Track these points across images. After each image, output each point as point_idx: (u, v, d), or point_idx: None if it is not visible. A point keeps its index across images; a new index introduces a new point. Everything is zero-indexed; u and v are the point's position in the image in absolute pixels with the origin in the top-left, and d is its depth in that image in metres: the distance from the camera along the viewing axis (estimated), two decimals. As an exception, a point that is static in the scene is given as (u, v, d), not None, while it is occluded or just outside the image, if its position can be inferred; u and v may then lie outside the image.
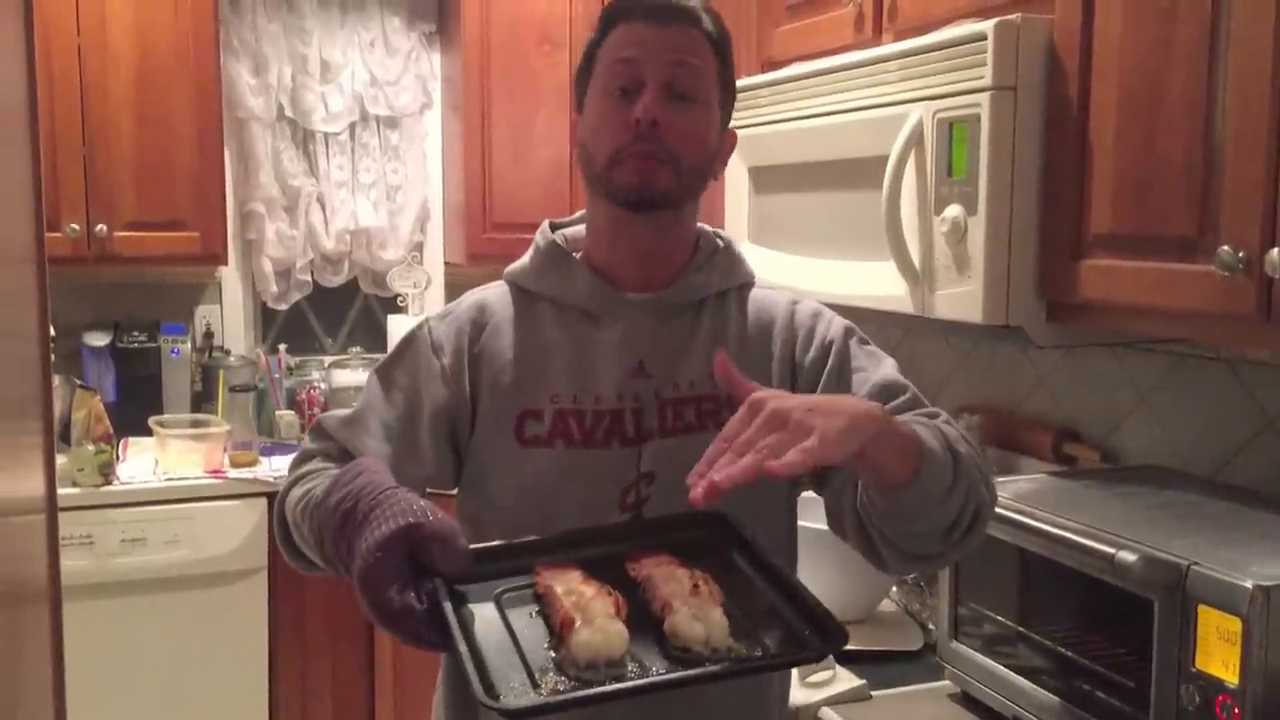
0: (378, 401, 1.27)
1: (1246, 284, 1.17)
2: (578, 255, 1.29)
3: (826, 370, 1.24)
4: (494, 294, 1.31)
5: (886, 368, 1.24)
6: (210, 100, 3.02)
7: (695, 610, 0.94)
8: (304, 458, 1.27)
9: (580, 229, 1.32)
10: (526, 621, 0.98)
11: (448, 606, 0.95)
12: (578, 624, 0.92)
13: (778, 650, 0.95)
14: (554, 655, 0.93)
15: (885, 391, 1.20)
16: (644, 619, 0.95)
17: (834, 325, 1.28)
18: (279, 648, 2.87)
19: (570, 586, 0.98)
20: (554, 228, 1.34)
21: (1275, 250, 1.12)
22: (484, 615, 0.98)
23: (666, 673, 0.91)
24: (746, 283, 1.31)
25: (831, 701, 1.57)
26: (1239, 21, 1.18)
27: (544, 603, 0.99)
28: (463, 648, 0.91)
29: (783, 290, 1.34)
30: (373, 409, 1.26)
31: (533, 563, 1.05)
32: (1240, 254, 1.16)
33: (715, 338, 1.26)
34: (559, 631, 0.93)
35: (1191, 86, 1.24)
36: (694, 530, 1.09)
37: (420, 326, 1.31)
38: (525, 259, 1.32)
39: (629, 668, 0.91)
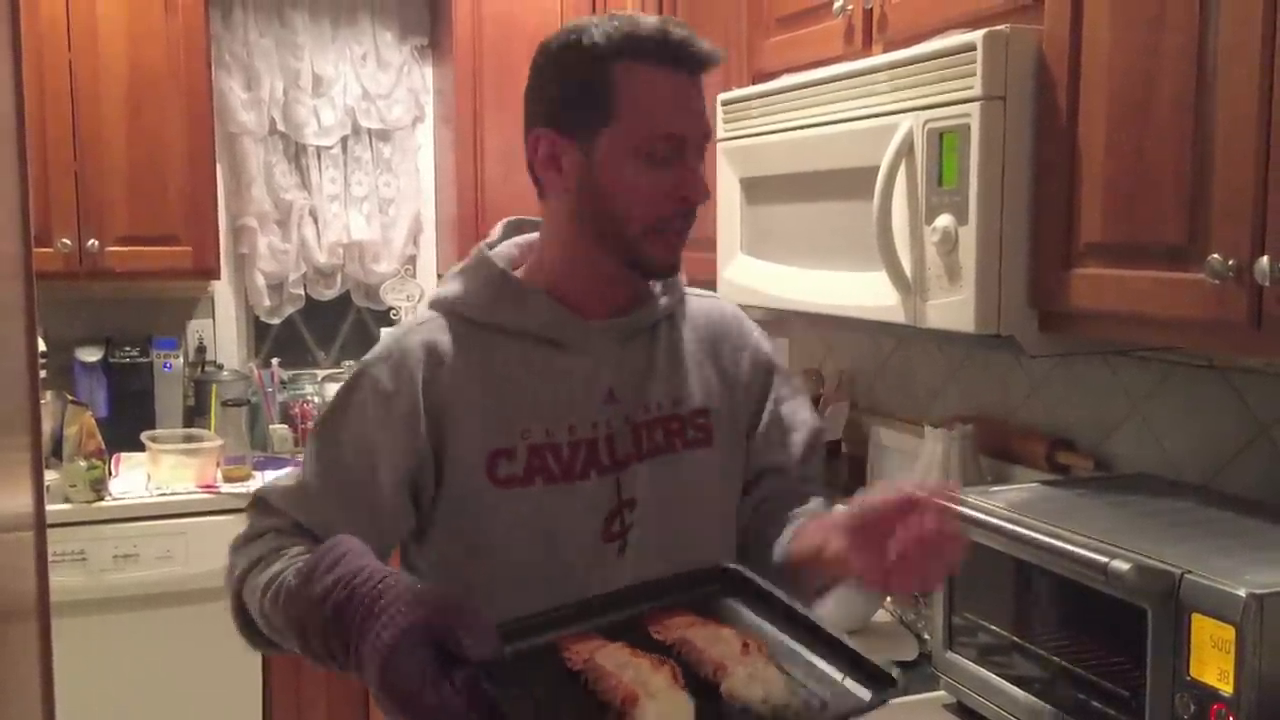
0: (328, 464, 1.16)
1: (1237, 292, 1.17)
2: (519, 277, 1.23)
3: (771, 398, 1.34)
4: (434, 328, 1.20)
5: (807, 406, 1.38)
6: (202, 114, 3.02)
7: (750, 670, 0.94)
8: (251, 536, 1.16)
9: (512, 249, 1.27)
10: (568, 697, 0.94)
11: (497, 692, 0.89)
12: (642, 698, 0.89)
13: (832, 702, 0.94)
14: None
15: (815, 436, 1.36)
16: (690, 682, 0.94)
17: (766, 344, 1.37)
18: (273, 663, 2.85)
19: (622, 659, 0.95)
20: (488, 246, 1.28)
21: (1265, 258, 1.12)
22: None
23: None
24: (684, 293, 1.32)
25: (826, 713, 1.56)
26: (1227, 30, 1.18)
27: (590, 679, 0.94)
28: None
29: (713, 296, 1.37)
30: (324, 473, 1.16)
31: (555, 636, 1.00)
32: (1230, 262, 1.16)
33: (673, 356, 1.27)
34: (620, 707, 0.90)
35: (1180, 95, 1.24)
36: (708, 585, 1.10)
37: (360, 374, 1.20)
38: (461, 287, 1.22)
39: None
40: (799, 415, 1.35)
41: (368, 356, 1.21)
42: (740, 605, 1.08)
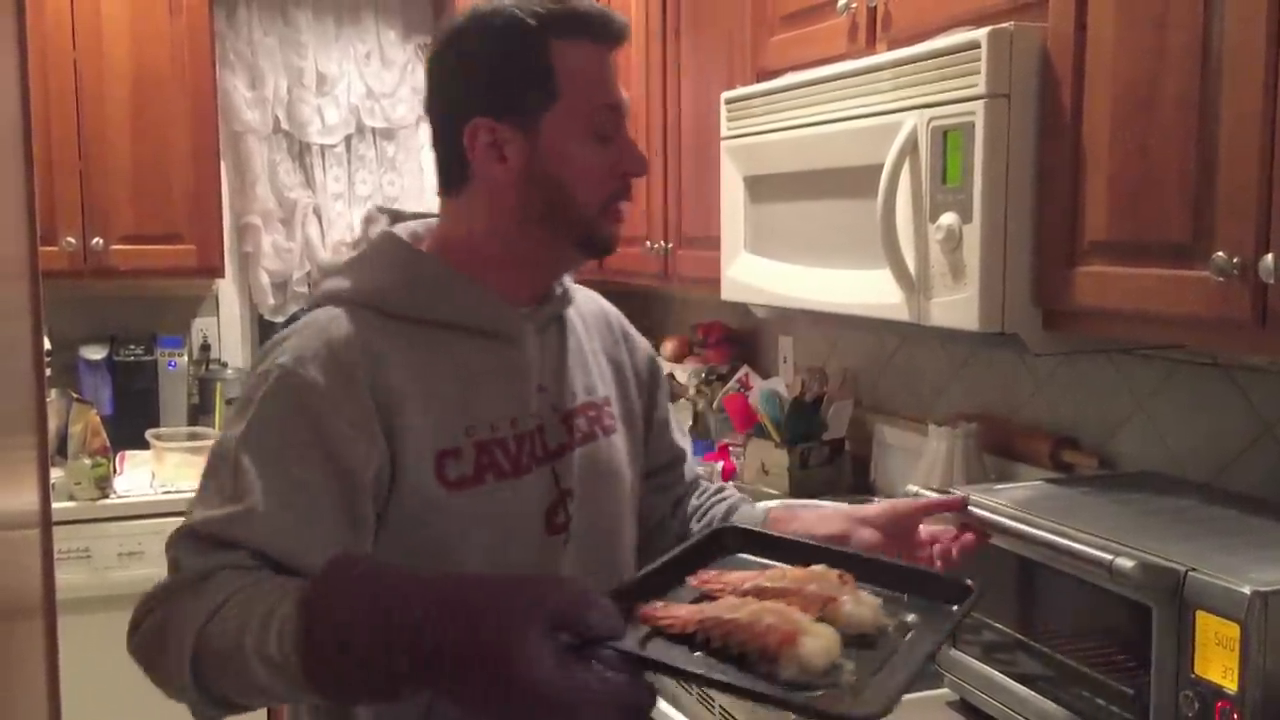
0: (279, 481, 1.00)
1: (1241, 289, 1.17)
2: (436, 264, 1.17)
3: (658, 394, 1.40)
4: (354, 323, 1.09)
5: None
6: (206, 113, 3.02)
7: (854, 597, 0.97)
8: (192, 579, 0.97)
9: (417, 231, 1.21)
10: (691, 659, 0.92)
11: (653, 659, 0.88)
12: (800, 635, 0.89)
13: (923, 620, 0.99)
14: (782, 675, 0.87)
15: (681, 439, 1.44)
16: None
17: (641, 337, 1.42)
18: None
19: (733, 605, 0.94)
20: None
21: (1269, 256, 1.12)
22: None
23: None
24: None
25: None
26: (1231, 28, 1.18)
27: (715, 635, 0.92)
28: (746, 682, 0.87)
29: (583, 288, 1.38)
30: (279, 492, 1.00)
31: (634, 605, 0.97)
32: (1234, 259, 1.16)
33: (578, 345, 1.27)
34: (775, 650, 0.88)
35: (1184, 92, 1.24)
36: (719, 546, 1.14)
37: (283, 379, 1.04)
38: (380, 278, 1.13)
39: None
40: (668, 410, 1.44)
41: (282, 360, 1.05)
42: (758, 558, 1.12)
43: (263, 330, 3.52)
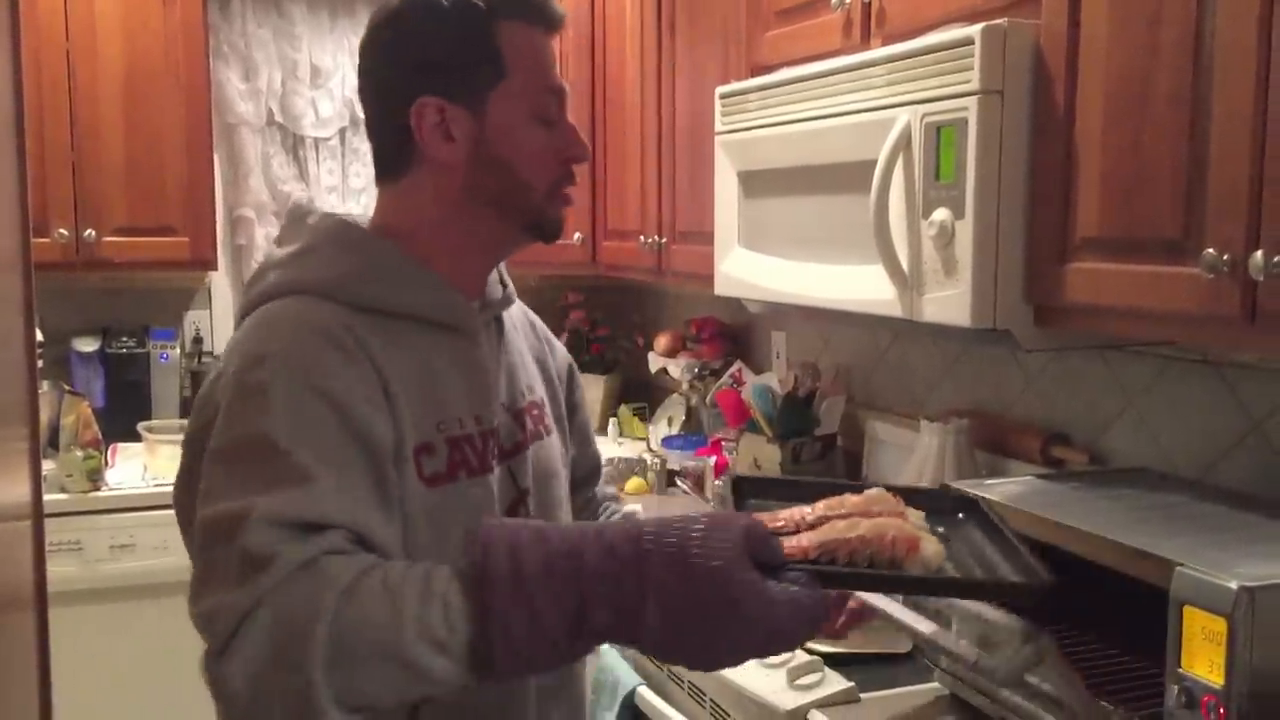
0: (340, 460, 0.97)
1: (1231, 286, 1.17)
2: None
3: (577, 397, 1.39)
4: (329, 313, 1.05)
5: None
6: (199, 105, 3.01)
7: (926, 533, 1.02)
8: (299, 570, 0.88)
9: (357, 222, 1.17)
10: (863, 572, 0.99)
11: (838, 572, 0.94)
12: (922, 540, 0.99)
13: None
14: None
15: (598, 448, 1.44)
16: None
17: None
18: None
19: (845, 526, 0.99)
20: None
21: (1259, 253, 1.13)
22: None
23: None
24: None
25: (820, 704, 1.57)
26: (1224, 25, 1.19)
27: (837, 556, 0.96)
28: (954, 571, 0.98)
29: None
30: (346, 470, 0.97)
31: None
32: (1225, 256, 1.17)
33: (515, 344, 1.25)
34: (903, 557, 0.97)
35: (1177, 90, 1.24)
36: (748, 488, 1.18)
37: (288, 363, 0.99)
38: (343, 266, 1.08)
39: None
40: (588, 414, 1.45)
41: (274, 348, 1.00)
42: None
43: (256, 323, 3.51)
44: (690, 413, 3.11)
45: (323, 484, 0.94)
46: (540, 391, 1.27)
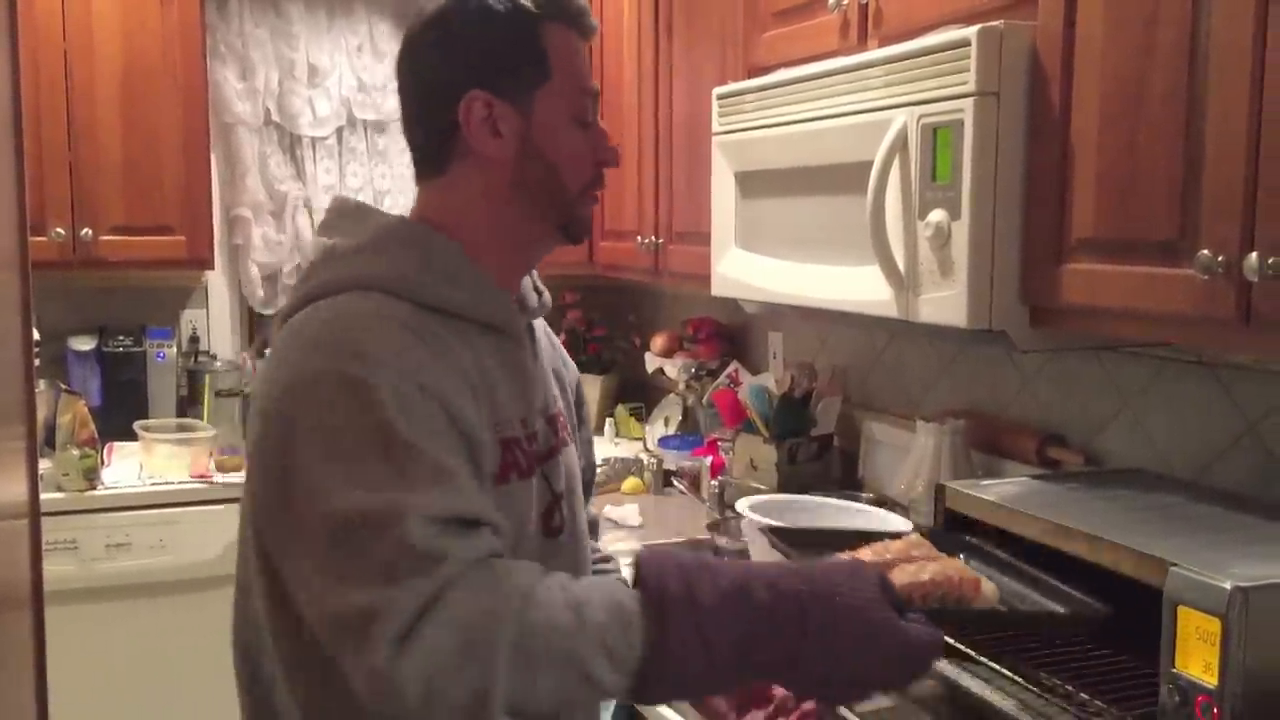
0: (448, 453, 0.98)
1: (1226, 287, 1.18)
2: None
3: (584, 413, 1.39)
4: (396, 310, 1.04)
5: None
6: (197, 105, 3.01)
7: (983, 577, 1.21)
8: (473, 568, 0.92)
9: (404, 218, 1.18)
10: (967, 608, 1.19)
11: (954, 611, 1.15)
12: (982, 580, 1.19)
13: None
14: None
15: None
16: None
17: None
18: (265, 653, 2.86)
19: (932, 567, 1.17)
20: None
21: (1254, 254, 1.13)
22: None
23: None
24: None
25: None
26: (1219, 27, 1.19)
27: (917, 595, 1.14)
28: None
29: None
30: (459, 472, 0.98)
31: None
32: (1219, 258, 1.17)
33: (547, 347, 1.27)
34: (971, 596, 1.16)
35: (1172, 91, 1.25)
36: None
37: (391, 363, 0.99)
38: (404, 264, 1.08)
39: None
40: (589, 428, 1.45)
41: (370, 349, 0.99)
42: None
43: (252, 322, 3.51)
44: (687, 413, 3.11)
45: (462, 480, 0.96)
46: (560, 401, 1.28)
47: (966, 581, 1.14)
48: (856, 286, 1.68)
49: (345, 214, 1.17)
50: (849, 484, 2.43)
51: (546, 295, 1.27)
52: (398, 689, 0.86)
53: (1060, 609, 1.19)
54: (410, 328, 1.03)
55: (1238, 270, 1.15)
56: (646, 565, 0.95)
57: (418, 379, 0.99)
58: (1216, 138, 1.20)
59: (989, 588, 1.17)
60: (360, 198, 3.42)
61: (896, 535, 1.26)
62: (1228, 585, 1.05)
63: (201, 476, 2.82)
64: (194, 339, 3.33)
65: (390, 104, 3.44)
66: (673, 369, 3.03)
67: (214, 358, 3.30)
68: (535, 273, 1.27)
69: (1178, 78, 1.24)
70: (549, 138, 1.12)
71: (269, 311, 3.46)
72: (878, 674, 0.94)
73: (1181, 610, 1.09)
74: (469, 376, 1.05)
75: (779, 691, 1.25)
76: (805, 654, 0.92)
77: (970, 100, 1.44)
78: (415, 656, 0.86)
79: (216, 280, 3.38)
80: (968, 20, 1.53)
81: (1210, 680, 1.05)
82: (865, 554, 1.15)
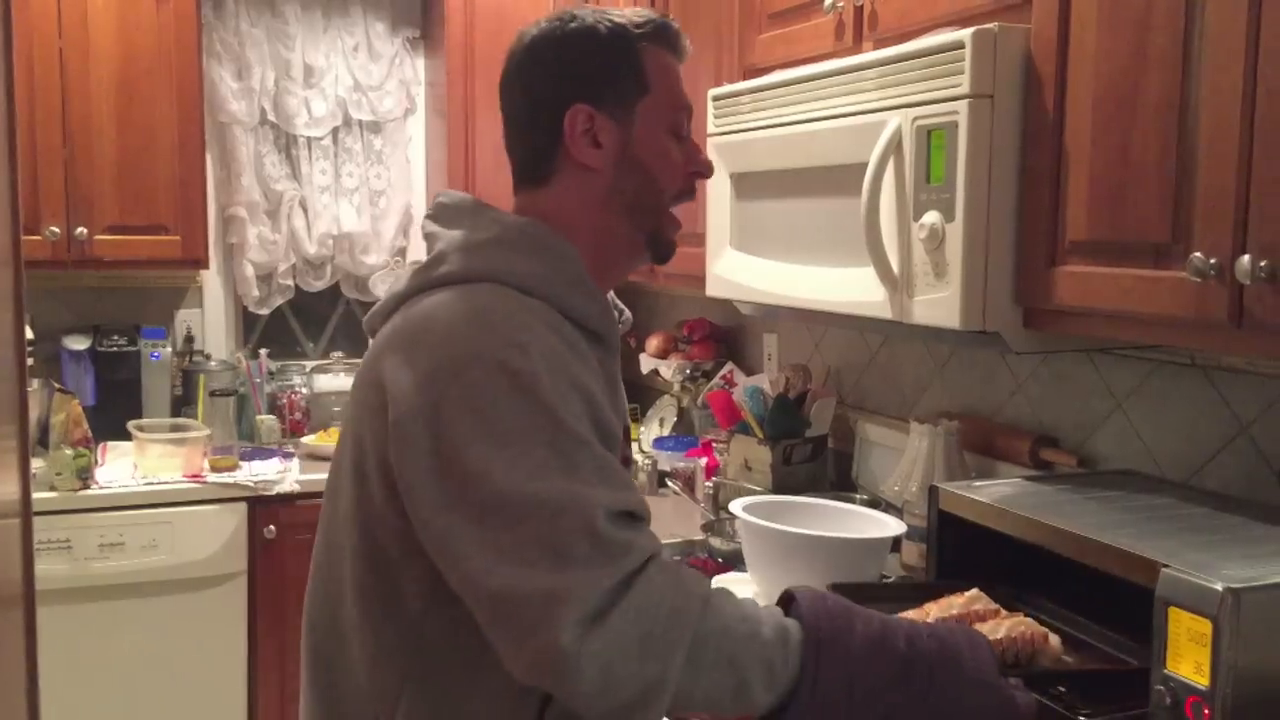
0: (599, 450, 1.01)
1: (1218, 290, 1.18)
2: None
3: None
4: (538, 307, 1.07)
5: None
6: (192, 104, 3.01)
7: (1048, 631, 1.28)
8: (649, 565, 0.96)
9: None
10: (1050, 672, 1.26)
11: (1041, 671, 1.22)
12: (1050, 635, 1.26)
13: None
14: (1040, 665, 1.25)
15: None
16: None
17: None
18: (258, 653, 2.86)
19: (1005, 624, 1.26)
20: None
21: (1246, 257, 1.13)
22: None
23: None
24: None
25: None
26: (1212, 31, 1.19)
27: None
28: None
29: None
30: (619, 468, 1.03)
31: None
32: (1212, 260, 1.17)
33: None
34: (1041, 648, 1.25)
35: (1165, 95, 1.25)
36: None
37: (545, 354, 1.01)
38: (537, 266, 1.11)
39: None
40: None
41: (523, 338, 1.01)
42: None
43: (247, 322, 3.51)
44: (682, 414, 3.11)
45: (624, 476, 1.02)
46: None
47: (1037, 636, 1.23)
48: (851, 288, 1.68)
49: (459, 207, 1.19)
50: (843, 485, 2.43)
51: (628, 313, 1.29)
52: (578, 670, 0.89)
53: (1133, 661, 1.28)
54: (552, 326, 1.06)
55: (1230, 273, 1.16)
56: (805, 598, 1.03)
57: (569, 374, 1.02)
58: (1208, 141, 1.20)
59: (1054, 640, 1.25)
60: (355, 198, 3.45)
61: (959, 590, 1.34)
62: (1219, 586, 1.05)
63: (195, 477, 2.82)
64: (189, 338, 3.32)
65: (386, 104, 3.44)
66: (667, 370, 3.03)
67: (208, 357, 3.30)
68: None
69: (1170, 81, 1.24)
70: (647, 149, 1.18)
71: (264, 311, 3.46)
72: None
73: (1173, 611, 1.09)
74: (599, 380, 1.08)
75: None
76: (922, 709, 1.01)
77: (965, 103, 1.44)
78: (600, 642, 0.90)
79: (211, 280, 3.38)
80: (962, 23, 1.53)
81: (1201, 681, 1.06)
82: (932, 609, 1.22)
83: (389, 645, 1.08)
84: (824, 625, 1.00)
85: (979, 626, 1.19)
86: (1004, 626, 1.24)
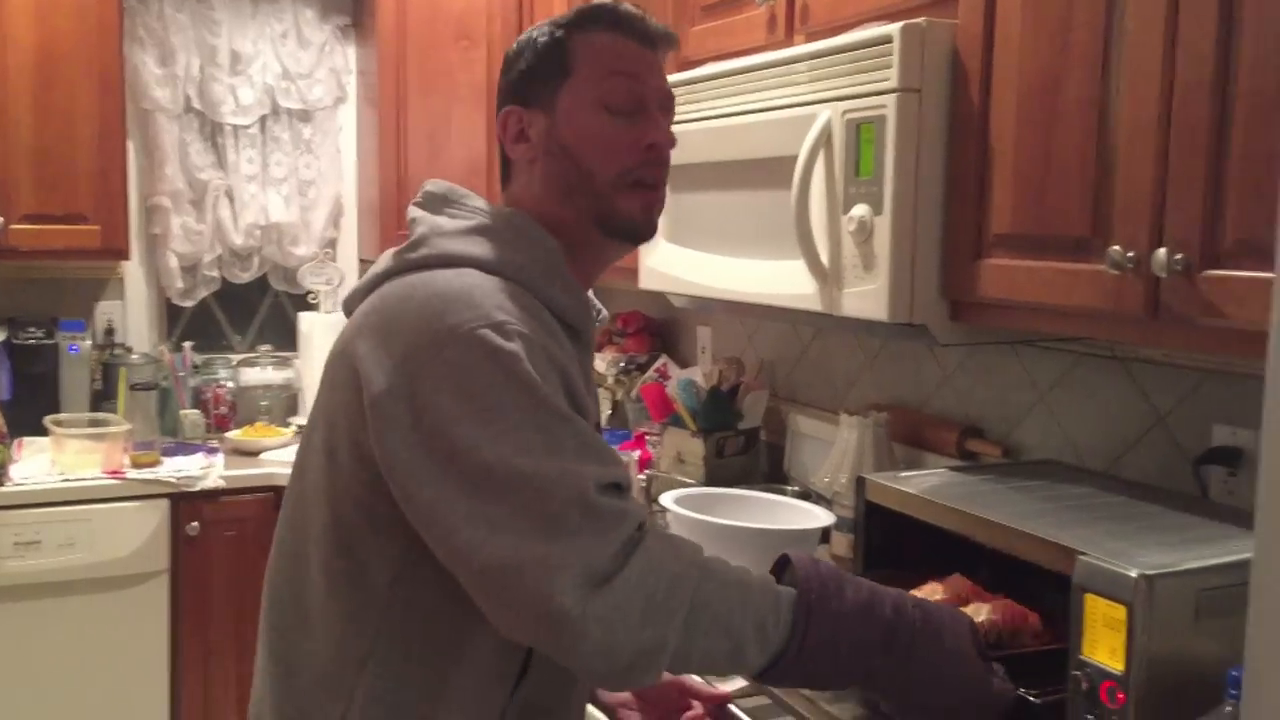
0: (584, 428, 1.03)
1: (1135, 283, 1.20)
2: None
3: None
4: (519, 293, 1.08)
5: None
6: (113, 90, 2.93)
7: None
8: (646, 534, 1.00)
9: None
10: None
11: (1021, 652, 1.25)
12: (1029, 615, 1.30)
13: None
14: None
15: None
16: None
17: None
18: (182, 651, 2.79)
19: (986, 606, 1.30)
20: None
21: (1162, 250, 1.16)
22: None
23: None
24: None
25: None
26: (1132, 29, 1.22)
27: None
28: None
29: None
30: (600, 441, 1.05)
31: None
32: (1129, 254, 1.20)
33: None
34: (1021, 627, 1.30)
35: (1086, 91, 1.27)
36: None
37: (523, 336, 1.02)
38: (516, 254, 1.11)
39: None
40: None
41: (500, 317, 1.02)
42: None
43: (170, 315, 3.43)
44: (616, 407, 3.10)
45: (607, 449, 1.04)
46: None
47: (1018, 616, 1.27)
48: (782, 281, 1.69)
49: (446, 195, 1.19)
50: (775, 477, 2.44)
51: (605, 311, 1.28)
52: (582, 633, 0.93)
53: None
54: (530, 310, 1.06)
55: (1146, 266, 1.18)
56: (799, 562, 1.08)
57: (548, 353, 1.03)
58: (1127, 137, 1.22)
59: (1034, 619, 1.30)
60: (284, 188, 3.38)
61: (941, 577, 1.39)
62: (1133, 573, 1.07)
63: (115, 473, 2.74)
64: (109, 331, 3.23)
65: (315, 93, 3.38)
66: (601, 363, 3.02)
67: (130, 350, 3.21)
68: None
69: (1091, 78, 1.27)
70: (570, 129, 1.15)
71: (188, 303, 3.38)
72: (958, 714, 1.10)
73: (1089, 598, 1.11)
74: (575, 367, 1.09)
75: (695, 709, 1.33)
76: (904, 676, 1.06)
77: (893, 97, 1.46)
78: (604, 606, 0.94)
79: (133, 271, 3.29)
80: (892, 17, 1.55)
81: (1116, 666, 1.08)
82: (917, 594, 1.25)
83: (354, 622, 1.08)
84: (815, 589, 1.04)
85: (962, 609, 1.23)
86: (985, 609, 1.28)
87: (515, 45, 1.22)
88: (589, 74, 1.15)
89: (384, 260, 1.16)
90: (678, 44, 1.24)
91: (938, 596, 1.33)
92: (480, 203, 1.18)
